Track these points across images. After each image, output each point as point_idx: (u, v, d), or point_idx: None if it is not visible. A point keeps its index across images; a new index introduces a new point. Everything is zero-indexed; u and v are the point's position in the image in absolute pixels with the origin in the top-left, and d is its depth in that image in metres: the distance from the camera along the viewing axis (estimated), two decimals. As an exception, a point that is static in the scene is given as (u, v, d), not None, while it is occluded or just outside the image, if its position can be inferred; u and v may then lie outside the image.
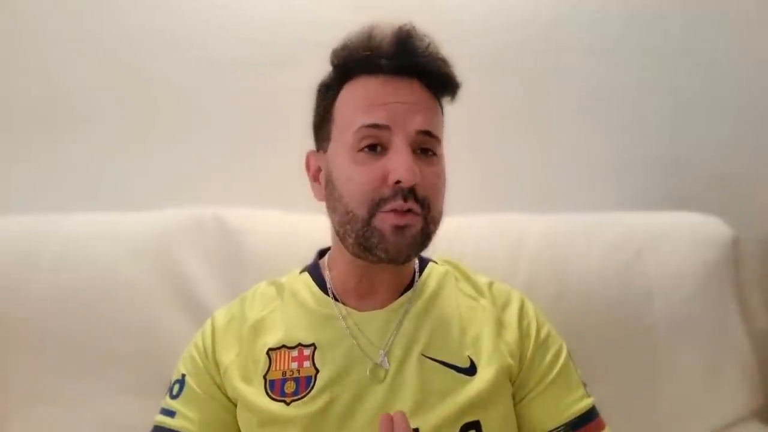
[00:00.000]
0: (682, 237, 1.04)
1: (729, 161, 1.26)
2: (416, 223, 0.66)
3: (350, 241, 0.67)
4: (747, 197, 1.25)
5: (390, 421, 0.56)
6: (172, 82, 1.26)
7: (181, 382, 0.71)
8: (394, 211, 0.64)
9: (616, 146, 1.27)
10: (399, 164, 0.64)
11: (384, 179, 0.65)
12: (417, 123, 0.67)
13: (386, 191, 0.65)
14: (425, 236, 0.67)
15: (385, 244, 0.65)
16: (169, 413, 0.70)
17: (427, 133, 0.68)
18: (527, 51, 1.26)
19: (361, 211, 0.65)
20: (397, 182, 0.64)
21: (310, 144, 0.77)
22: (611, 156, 1.27)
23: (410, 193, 0.65)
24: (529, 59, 1.26)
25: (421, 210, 0.66)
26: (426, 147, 0.68)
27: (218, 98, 1.26)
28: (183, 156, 1.27)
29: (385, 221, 0.65)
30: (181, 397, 0.71)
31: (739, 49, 1.25)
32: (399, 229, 0.64)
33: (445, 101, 0.74)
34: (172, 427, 0.69)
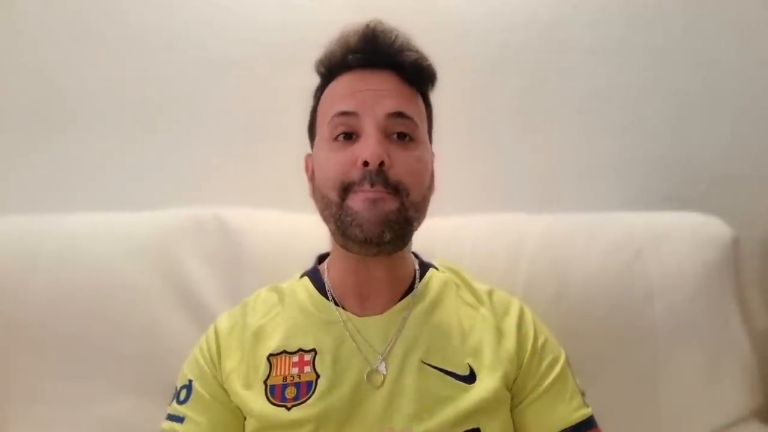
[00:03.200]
0: (683, 237, 1.04)
1: (729, 161, 1.26)
2: (390, 200, 0.66)
3: (332, 226, 0.69)
4: (747, 197, 1.25)
5: None
6: (173, 82, 1.26)
7: (189, 387, 0.71)
8: (363, 192, 0.65)
9: (617, 146, 1.27)
10: (365, 146, 0.65)
11: (354, 163, 0.66)
12: (386, 106, 0.68)
13: (355, 174, 0.66)
14: (403, 219, 0.67)
15: (359, 219, 0.65)
16: (178, 419, 0.69)
17: (400, 115, 0.68)
18: (528, 51, 1.26)
19: (333, 195, 0.67)
20: (365, 164, 0.65)
21: (309, 145, 0.78)
22: (612, 156, 1.27)
23: (379, 177, 0.65)
24: (529, 59, 1.26)
25: (395, 194, 0.66)
26: (402, 131, 0.69)
27: (218, 98, 1.26)
28: (183, 156, 1.27)
29: (356, 198, 0.66)
30: (189, 402, 0.70)
31: (739, 49, 1.25)
32: (371, 202, 0.65)
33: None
34: None
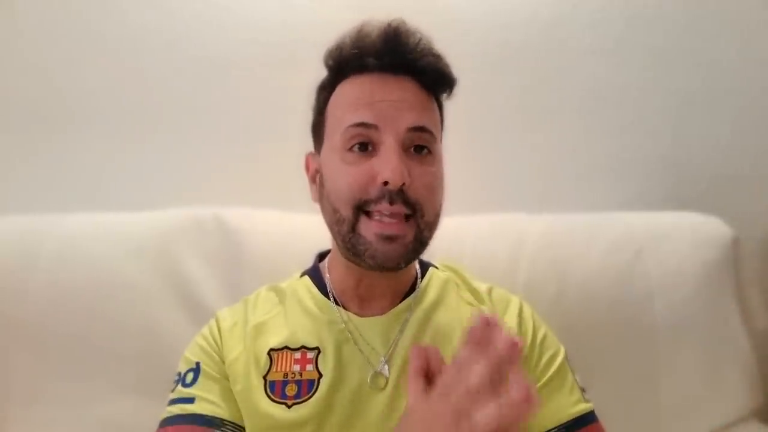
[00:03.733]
0: (683, 237, 1.04)
1: (729, 161, 1.26)
2: (408, 233, 0.64)
3: (339, 242, 0.67)
4: (747, 197, 1.25)
5: (424, 352, 0.52)
6: (173, 82, 1.26)
7: (196, 369, 0.69)
8: (380, 213, 0.63)
9: (616, 146, 1.27)
10: (386, 165, 0.63)
11: (372, 179, 0.64)
12: (407, 120, 0.65)
13: (373, 192, 0.63)
14: (419, 244, 0.66)
15: (372, 251, 0.64)
16: (187, 400, 0.66)
17: (420, 129, 0.66)
18: (527, 50, 1.26)
19: (347, 212, 0.65)
20: (385, 183, 0.63)
21: (310, 144, 0.77)
22: (611, 156, 1.27)
23: (398, 195, 0.63)
24: (529, 58, 1.26)
25: (412, 214, 0.64)
26: (420, 144, 0.66)
27: (218, 98, 1.26)
28: (183, 156, 1.27)
29: (370, 229, 0.64)
30: (198, 382, 0.68)
31: (739, 49, 1.25)
32: (387, 239, 0.63)
33: (446, 99, 0.74)
34: (194, 412, 0.65)
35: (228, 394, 0.68)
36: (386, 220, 0.63)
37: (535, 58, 1.26)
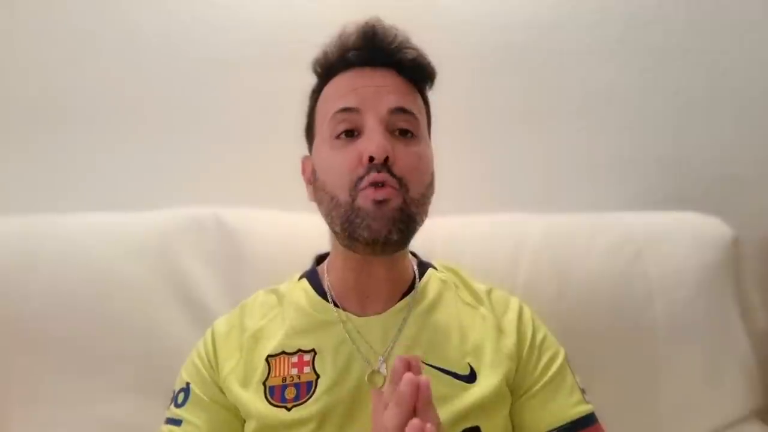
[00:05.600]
0: (683, 237, 1.04)
1: (729, 161, 1.26)
2: (394, 197, 0.65)
3: (337, 228, 0.68)
4: (747, 197, 1.25)
5: (406, 363, 0.54)
6: (172, 81, 1.26)
7: (186, 390, 0.71)
8: (373, 184, 0.64)
9: (617, 146, 1.27)
10: (370, 142, 0.65)
11: (359, 159, 0.66)
12: (389, 102, 0.68)
13: (361, 170, 0.65)
14: (406, 216, 0.66)
15: (367, 221, 0.64)
16: (176, 422, 0.69)
17: (402, 110, 0.68)
18: (528, 51, 1.26)
19: (343, 195, 0.66)
20: (371, 159, 0.65)
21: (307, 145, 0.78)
22: (611, 156, 1.27)
23: (384, 167, 0.65)
24: (529, 59, 1.26)
25: (398, 187, 0.65)
26: (404, 127, 0.68)
27: (218, 98, 1.26)
28: (183, 156, 1.27)
29: (366, 198, 0.65)
30: (187, 404, 0.70)
31: (739, 50, 1.25)
32: (379, 203, 0.64)
33: (428, 90, 0.76)
34: None
35: (215, 417, 0.69)
36: (378, 185, 0.65)
37: (535, 59, 1.26)
